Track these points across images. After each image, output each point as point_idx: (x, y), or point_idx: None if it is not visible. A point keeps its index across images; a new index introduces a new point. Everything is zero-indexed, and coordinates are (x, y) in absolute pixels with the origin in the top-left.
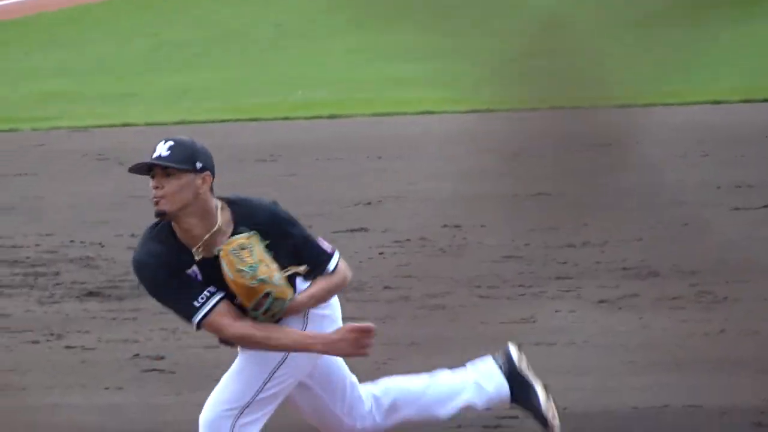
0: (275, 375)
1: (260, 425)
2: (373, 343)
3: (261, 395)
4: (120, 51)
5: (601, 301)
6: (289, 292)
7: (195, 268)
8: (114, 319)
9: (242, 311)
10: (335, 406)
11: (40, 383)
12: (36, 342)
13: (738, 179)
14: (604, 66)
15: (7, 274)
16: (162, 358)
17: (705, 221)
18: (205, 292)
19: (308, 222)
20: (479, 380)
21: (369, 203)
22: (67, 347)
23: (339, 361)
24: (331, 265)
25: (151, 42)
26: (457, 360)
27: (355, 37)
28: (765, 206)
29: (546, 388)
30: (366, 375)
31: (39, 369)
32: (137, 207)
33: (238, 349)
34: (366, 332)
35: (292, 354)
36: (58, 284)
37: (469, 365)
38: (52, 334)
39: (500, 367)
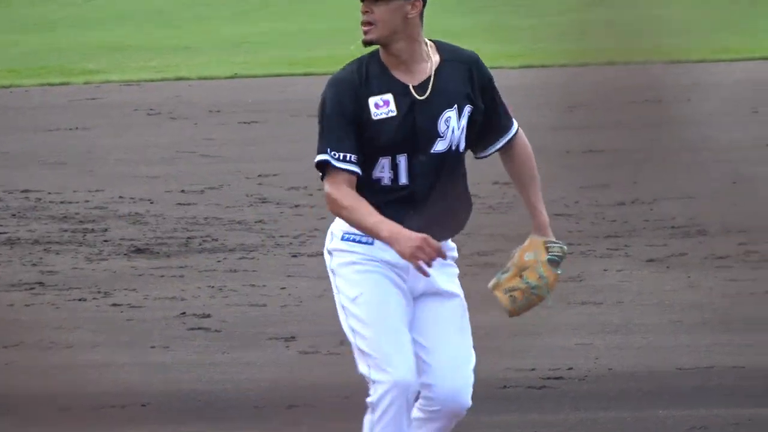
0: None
1: None
2: (428, 261)
3: None
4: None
5: (650, 260)
6: (552, 272)
7: (389, 95)
8: (162, 276)
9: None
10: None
11: (86, 341)
12: (83, 300)
13: None
14: (660, 19)
15: (56, 230)
16: (208, 316)
17: (754, 179)
18: (351, 156)
19: None
20: None
21: None
22: (114, 305)
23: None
24: (515, 127)
25: None
26: (505, 317)
27: None
28: None
29: None
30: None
31: (85, 327)
32: (188, 162)
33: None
34: (432, 250)
35: None
36: (106, 241)
37: None
38: (99, 292)
39: None
